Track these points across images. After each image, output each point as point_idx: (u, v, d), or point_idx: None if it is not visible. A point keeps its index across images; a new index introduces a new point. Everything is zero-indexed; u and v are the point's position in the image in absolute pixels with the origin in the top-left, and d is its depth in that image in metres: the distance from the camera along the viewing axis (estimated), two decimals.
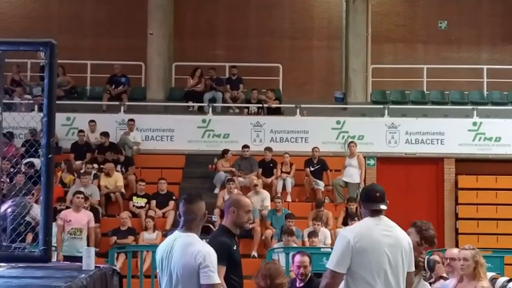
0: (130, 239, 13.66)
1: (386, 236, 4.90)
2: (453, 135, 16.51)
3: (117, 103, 17.38)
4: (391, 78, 18.88)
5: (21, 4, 20.54)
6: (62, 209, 12.72)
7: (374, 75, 18.75)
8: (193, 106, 17.85)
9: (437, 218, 16.34)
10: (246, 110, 17.77)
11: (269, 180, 15.57)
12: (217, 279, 4.75)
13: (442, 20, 20.49)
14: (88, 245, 11.24)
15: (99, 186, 14.89)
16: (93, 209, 13.53)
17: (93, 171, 15.19)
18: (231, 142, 16.37)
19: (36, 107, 15.48)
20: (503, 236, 15.39)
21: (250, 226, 13.17)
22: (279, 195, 14.97)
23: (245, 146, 15.79)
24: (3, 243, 6.11)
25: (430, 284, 6.80)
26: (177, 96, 18.34)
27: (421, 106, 18.05)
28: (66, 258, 11.29)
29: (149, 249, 12.49)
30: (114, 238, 13.63)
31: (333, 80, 19.95)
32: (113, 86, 18.10)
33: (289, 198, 15.45)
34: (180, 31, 19.26)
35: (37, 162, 13.24)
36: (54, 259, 9.19)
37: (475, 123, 16.62)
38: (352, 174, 15.38)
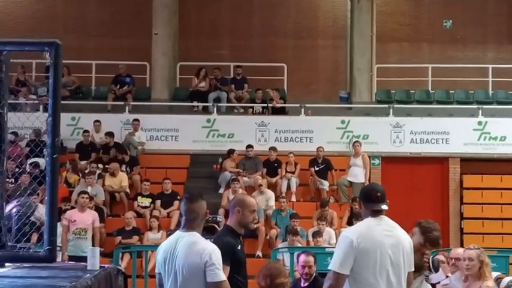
0: (135, 238, 13.68)
1: (388, 236, 4.89)
2: (458, 134, 16.48)
3: (122, 103, 17.40)
4: (396, 78, 18.86)
5: (26, 4, 20.57)
6: (67, 209, 12.74)
7: (379, 75, 18.73)
8: (198, 106, 17.85)
9: (442, 218, 16.30)
10: (250, 110, 17.77)
11: (274, 180, 15.57)
12: (223, 276, 4.77)
13: (447, 19, 20.45)
14: (93, 245, 11.26)
15: (103, 186, 14.91)
16: (98, 209, 13.54)
17: (98, 171, 15.21)
18: (236, 142, 16.36)
19: (41, 107, 15.51)
20: (508, 235, 15.36)
21: (255, 226, 13.15)
22: (283, 195, 14.97)
23: (249, 146, 15.79)
24: (9, 243, 6.12)
25: (435, 284, 6.79)
26: (181, 96, 18.35)
27: (426, 105, 18.02)
28: (71, 258, 11.32)
29: (154, 249, 12.47)
30: (119, 238, 13.64)
31: (338, 79, 19.93)
32: (118, 86, 18.12)
33: (293, 198, 15.44)
34: (184, 31, 19.27)
35: (42, 162, 13.27)
36: (59, 259, 9.21)
37: (480, 123, 16.58)
38: (357, 174, 15.36)
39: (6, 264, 5.98)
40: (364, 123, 16.81)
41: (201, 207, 4.95)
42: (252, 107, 17.77)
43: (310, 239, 13.35)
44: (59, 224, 10.42)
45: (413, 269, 5.05)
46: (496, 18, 20.27)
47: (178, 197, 14.72)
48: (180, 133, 16.67)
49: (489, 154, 16.41)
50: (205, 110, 17.70)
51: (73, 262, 8.89)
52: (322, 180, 15.51)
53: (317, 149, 15.78)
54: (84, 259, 6.37)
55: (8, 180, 7.97)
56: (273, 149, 15.85)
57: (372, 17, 18.64)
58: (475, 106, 17.35)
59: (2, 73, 6.14)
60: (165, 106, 17.88)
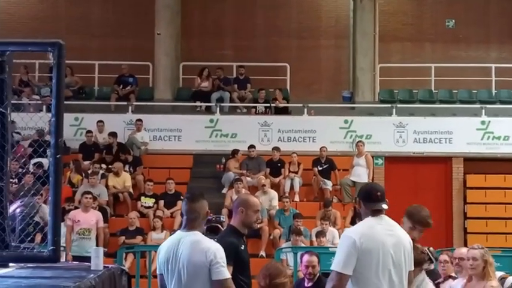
0: (138, 239, 13.68)
1: (390, 235, 4.88)
2: (461, 134, 16.46)
3: (125, 103, 17.41)
4: (398, 77, 18.84)
5: (29, 5, 20.58)
6: (71, 209, 12.76)
7: (382, 74, 18.72)
8: (200, 106, 17.86)
9: (445, 218, 16.29)
10: (253, 110, 17.77)
11: (277, 180, 15.57)
12: (228, 274, 4.79)
13: (449, 19, 20.43)
14: (97, 245, 11.26)
15: (107, 186, 14.92)
16: (101, 209, 13.56)
17: (101, 171, 15.21)
18: (239, 142, 16.37)
19: (44, 107, 15.53)
20: None
21: (258, 226, 13.16)
22: (286, 194, 14.96)
23: (251, 146, 15.79)
24: (12, 244, 6.12)
25: (439, 283, 6.79)
26: (184, 96, 18.36)
27: (429, 105, 18.01)
28: (75, 258, 11.33)
29: (157, 249, 12.48)
30: (123, 238, 13.65)
31: (341, 79, 19.92)
32: (121, 86, 18.14)
33: (297, 198, 15.43)
34: (187, 31, 19.28)
35: (45, 162, 13.28)
36: (62, 259, 9.22)
37: (483, 122, 16.57)
38: (360, 174, 15.36)
39: (10, 264, 5.99)
40: (367, 123, 16.80)
41: (202, 206, 4.95)
42: (255, 107, 17.77)
43: (314, 238, 13.35)
44: (62, 224, 10.43)
45: (413, 268, 5.05)
46: (498, 17, 20.24)
47: (182, 197, 14.69)
48: (183, 133, 16.68)
49: (492, 153, 16.40)
50: (208, 110, 17.70)
51: (77, 262, 8.90)
52: (326, 180, 15.51)
53: (320, 148, 15.78)
54: (88, 259, 6.37)
55: (11, 180, 7.98)
56: (276, 149, 15.85)
57: (374, 16, 18.63)
58: (478, 106, 17.33)
59: (5, 73, 6.15)
60: (168, 106, 17.89)
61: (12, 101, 6.47)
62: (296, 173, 15.69)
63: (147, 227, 14.23)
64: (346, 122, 16.69)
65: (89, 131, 16.26)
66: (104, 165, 15.59)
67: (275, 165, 15.76)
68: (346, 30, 19.92)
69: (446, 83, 18.65)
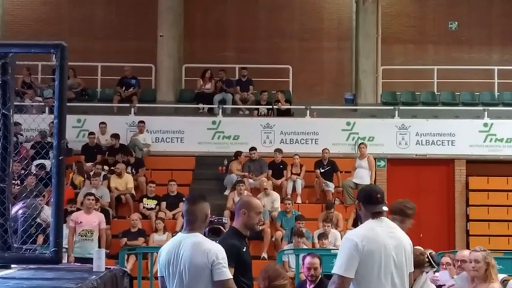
0: (140, 240, 13.69)
1: (391, 237, 4.87)
2: (464, 136, 16.45)
3: (128, 105, 17.42)
4: (401, 80, 18.84)
5: (32, 7, 20.61)
6: (73, 211, 12.77)
7: (384, 77, 18.72)
8: (203, 108, 17.87)
9: (448, 220, 16.29)
10: (256, 112, 17.78)
11: (279, 181, 15.56)
12: (229, 274, 4.79)
13: (452, 21, 20.42)
14: (99, 247, 11.27)
15: (109, 188, 14.93)
16: (103, 210, 13.56)
17: (103, 173, 15.22)
18: (241, 144, 16.37)
19: (47, 109, 15.54)
20: None
21: (261, 228, 13.16)
22: (289, 196, 14.96)
23: (252, 148, 15.79)
24: (15, 245, 6.13)
25: (441, 286, 6.78)
26: (187, 98, 18.37)
27: (432, 107, 18.00)
28: (78, 259, 11.34)
29: (159, 250, 12.49)
30: (125, 240, 13.66)
31: (343, 81, 19.92)
32: (123, 88, 18.16)
33: (299, 200, 15.43)
34: (190, 33, 19.30)
35: (48, 164, 13.30)
36: (64, 261, 9.22)
37: (486, 124, 16.55)
38: (363, 176, 15.34)
39: (12, 265, 6.00)
40: (370, 125, 16.79)
41: (200, 209, 4.93)
42: (257, 109, 17.77)
43: (316, 240, 13.34)
44: (64, 225, 10.44)
45: (413, 270, 5.05)
46: (501, 19, 20.23)
47: (184, 199, 14.71)
48: (186, 135, 16.68)
49: (495, 156, 16.37)
50: (211, 112, 17.71)
51: (79, 264, 8.90)
52: (328, 182, 15.50)
53: (322, 150, 15.77)
54: (90, 261, 6.38)
55: (14, 182, 7.99)
56: (278, 150, 15.84)
57: (377, 18, 18.63)
58: (481, 108, 17.31)
59: (8, 75, 6.15)
60: (171, 108, 17.90)
61: (15, 103, 6.48)
62: (298, 175, 15.69)
63: (149, 228, 14.24)
64: (348, 124, 16.69)
65: (91, 133, 16.27)
66: (106, 167, 15.60)
67: (277, 167, 15.76)
68: (349, 32, 19.93)
69: (448, 85, 18.64)
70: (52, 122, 6.09)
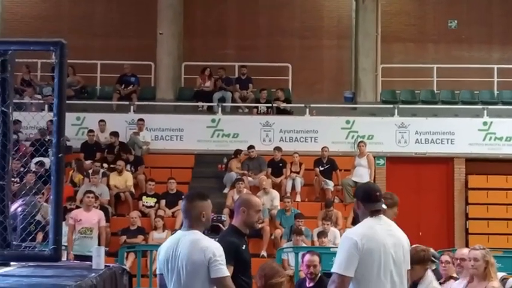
0: (140, 238, 13.69)
1: (390, 235, 4.86)
2: (463, 134, 16.45)
3: (127, 103, 17.41)
4: (401, 78, 18.83)
5: (32, 4, 20.59)
6: (72, 209, 12.77)
7: (384, 75, 18.71)
8: (202, 106, 17.86)
9: (447, 218, 16.29)
10: (255, 110, 17.77)
11: (278, 180, 15.56)
12: (227, 272, 4.78)
13: (452, 19, 20.41)
14: (98, 244, 11.27)
15: (108, 186, 14.92)
16: (102, 208, 13.55)
17: (102, 170, 15.21)
18: (241, 142, 16.36)
19: (46, 106, 15.53)
20: None
21: (260, 226, 13.16)
22: (288, 195, 14.96)
23: (251, 147, 15.79)
24: (14, 243, 6.13)
25: (440, 284, 6.78)
26: (186, 95, 18.36)
27: (431, 106, 18.00)
28: (77, 257, 11.32)
29: (158, 248, 12.49)
30: (124, 237, 13.66)
31: (343, 79, 19.91)
32: (123, 86, 18.15)
33: (298, 198, 15.43)
34: (189, 31, 19.28)
35: (47, 161, 13.29)
36: (64, 258, 9.22)
37: (485, 123, 16.55)
38: (362, 174, 15.34)
39: (12, 263, 6.00)
40: (369, 123, 16.79)
41: (196, 207, 4.92)
42: (257, 107, 17.76)
43: (315, 239, 13.34)
44: (64, 223, 10.44)
45: (409, 267, 5.04)
46: (501, 18, 20.22)
47: (183, 197, 14.70)
48: (185, 133, 16.68)
49: (494, 154, 16.37)
50: (210, 110, 17.71)
51: (78, 261, 8.90)
52: (327, 180, 15.50)
53: (322, 149, 15.77)
54: (90, 258, 6.39)
55: (13, 179, 7.99)
56: (277, 149, 15.84)
57: (376, 17, 18.63)
58: (480, 106, 17.32)
59: (7, 72, 6.15)
60: (170, 106, 17.89)
61: (14, 100, 6.48)
62: (298, 173, 15.69)
63: (149, 226, 14.24)
64: (348, 122, 16.68)
65: (90, 131, 16.27)
66: (105, 165, 15.59)
67: (277, 165, 15.76)
68: (349, 30, 19.92)
69: (448, 83, 18.63)
70: (51, 120, 6.08)
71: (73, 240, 11.83)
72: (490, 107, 17.15)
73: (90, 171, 15.06)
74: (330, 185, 15.50)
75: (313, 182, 15.66)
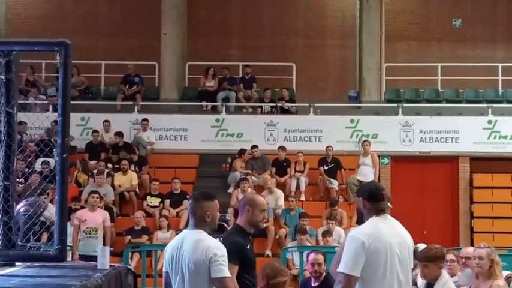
0: (144, 238, 13.70)
1: (395, 234, 4.85)
2: (468, 133, 16.43)
3: (131, 103, 17.44)
4: (405, 77, 18.81)
5: (36, 5, 20.63)
6: (77, 209, 12.79)
7: (388, 74, 18.69)
8: (206, 105, 17.87)
9: (452, 217, 16.28)
10: (259, 109, 17.77)
11: (283, 179, 15.56)
12: (227, 272, 4.76)
13: (456, 18, 20.38)
14: (103, 244, 11.29)
15: (113, 186, 14.94)
16: (107, 208, 13.57)
17: (106, 170, 15.23)
18: (245, 141, 16.37)
19: (50, 107, 15.56)
20: None
21: (264, 225, 13.16)
22: (292, 194, 14.96)
23: (254, 146, 15.79)
24: (19, 243, 6.13)
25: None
26: (190, 95, 18.37)
27: (436, 104, 17.98)
28: (82, 257, 11.35)
29: (163, 248, 12.34)
30: (129, 237, 13.67)
31: (347, 78, 19.90)
32: (127, 86, 18.17)
33: (303, 197, 15.43)
34: (193, 31, 19.29)
35: (52, 161, 13.31)
36: (69, 258, 9.23)
37: (490, 121, 16.53)
38: (366, 173, 15.33)
39: (17, 263, 6.00)
40: (373, 122, 16.78)
41: (203, 206, 4.92)
42: (261, 107, 17.77)
43: (320, 238, 13.34)
44: (68, 223, 10.45)
45: (412, 266, 5.04)
46: (505, 16, 20.19)
47: (188, 197, 14.72)
48: (189, 133, 16.69)
49: (499, 153, 16.36)
50: (214, 110, 17.71)
51: (83, 261, 8.91)
52: (332, 180, 15.50)
53: (326, 148, 15.77)
54: (95, 258, 6.38)
55: (18, 180, 8.00)
56: (282, 148, 15.84)
57: (380, 15, 18.61)
58: (485, 105, 17.29)
59: (12, 73, 6.15)
60: (174, 106, 17.91)
61: (19, 101, 6.48)
62: (302, 172, 15.68)
63: (153, 226, 14.25)
64: (352, 121, 16.68)
65: (95, 131, 16.29)
66: (110, 165, 15.61)
67: (281, 165, 15.76)
68: (352, 29, 19.90)
69: (452, 82, 18.60)
70: (55, 120, 6.09)
71: (78, 240, 11.85)
72: (494, 105, 17.12)
73: (95, 171, 15.08)
74: (335, 184, 15.49)
75: (317, 181, 15.66)
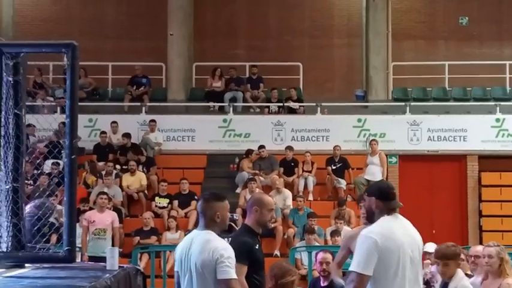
0: (153, 239, 13.72)
1: (406, 234, 4.85)
2: (476, 131, 16.38)
3: (139, 104, 17.47)
4: (412, 76, 18.78)
5: (43, 7, 20.68)
6: (85, 210, 12.82)
7: (395, 73, 18.66)
8: (214, 106, 17.88)
9: (460, 216, 16.23)
10: (266, 109, 17.77)
11: (291, 179, 15.56)
12: (234, 274, 4.75)
13: (463, 16, 20.32)
14: (112, 245, 11.31)
15: (121, 187, 14.97)
16: (116, 209, 13.60)
17: (114, 171, 15.25)
18: (252, 141, 16.38)
19: (58, 108, 15.60)
20: None
21: (273, 225, 13.17)
22: (300, 194, 14.95)
23: (261, 147, 15.79)
24: (28, 244, 6.16)
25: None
26: (197, 96, 18.39)
27: (443, 103, 17.93)
28: (91, 258, 11.38)
29: (172, 249, 12.50)
30: (137, 238, 13.70)
31: (354, 78, 19.87)
32: (134, 87, 18.20)
33: (311, 197, 15.42)
34: (200, 32, 19.30)
35: (61, 163, 13.34)
36: (78, 259, 9.26)
37: (498, 120, 16.48)
38: (374, 172, 15.31)
39: (26, 264, 6.03)
40: (381, 121, 16.75)
41: (213, 207, 4.92)
42: (268, 107, 17.77)
43: (328, 238, 13.33)
44: (77, 224, 10.48)
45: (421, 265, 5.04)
46: None
47: (196, 197, 14.74)
48: (197, 133, 16.71)
49: (507, 151, 16.29)
50: (222, 110, 17.72)
51: (92, 262, 8.93)
52: (339, 179, 15.49)
53: (334, 147, 15.75)
54: (104, 259, 6.40)
55: (27, 181, 8.03)
56: (289, 148, 15.84)
57: (387, 14, 18.57)
58: (493, 103, 17.23)
59: (20, 75, 6.18)
60: (181, 106, 17.93)
61: (27, 103, 6.51)
62: (310, 172, 15.68)
63: (162, 227, 14.27)
64: (359, 120, 16.65)
65: (103, 132, 16.33)
66: (118, 166, 15.64)
67: (288, 165, 15.75)
68: (359, 28, 19.87)
69: (460, 80, 18.55)
70: (63, 122, 6.11)
71: (87, 241, 11.88)
72: (502, 103, 17.06)
73: (103, 172, 15.11)
74: (343, 183, 15.48)
75: (325, 181, 15.65)
